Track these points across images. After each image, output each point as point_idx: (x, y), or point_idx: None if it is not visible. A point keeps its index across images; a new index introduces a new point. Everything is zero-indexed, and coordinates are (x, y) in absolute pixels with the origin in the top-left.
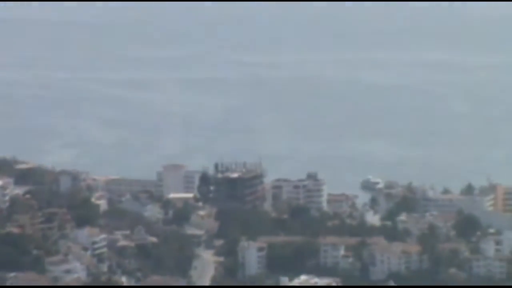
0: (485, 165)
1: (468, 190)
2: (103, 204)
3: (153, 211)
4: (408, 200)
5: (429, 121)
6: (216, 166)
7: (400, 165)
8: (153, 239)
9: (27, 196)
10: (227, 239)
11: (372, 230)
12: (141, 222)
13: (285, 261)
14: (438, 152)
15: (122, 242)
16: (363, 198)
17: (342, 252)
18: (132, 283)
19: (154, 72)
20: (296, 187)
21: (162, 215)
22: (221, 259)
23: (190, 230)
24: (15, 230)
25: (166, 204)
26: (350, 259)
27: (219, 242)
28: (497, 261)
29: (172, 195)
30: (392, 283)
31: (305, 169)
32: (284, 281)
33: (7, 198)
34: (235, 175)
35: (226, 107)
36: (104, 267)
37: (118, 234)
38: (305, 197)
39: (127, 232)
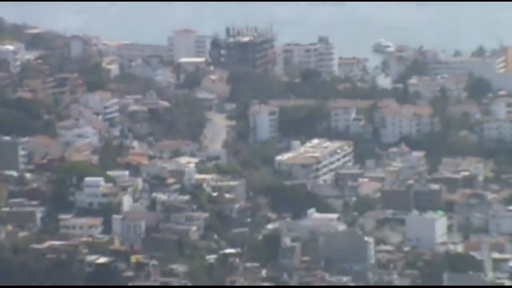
0: (496, 27)
1: (479, 52)
2: (114, 68)
3: (164, 76)
4: (419, 63)
5: None
6: (227, 30)
7: (411, 28)
8: (165, 103)
9: (39, 61)
10: (238, 103)
11: (383, 93)
12: (153, 87)
13: (297, 125)
14: (449, 15)
15: (134, 107)
16: (374, 61)
17: (353, 115)
18: (144, 147)
19: None
20: (307, 50)
21: (174, 80)
22: (233, 123)
23: (202, 94)
24: (27, 95)
25: (177, 68)
26: (362, 122)
27: (230, 106)
28: (508, 123)
29: (183, 60)
30: (403, 146)
31: (316, 33)
32: (296, 144)
33: (18, 63)
34: (246, 39)
35: None
36: (116, 131)
37: (130, 99)
38: (316, 60)
39: (139, 96)
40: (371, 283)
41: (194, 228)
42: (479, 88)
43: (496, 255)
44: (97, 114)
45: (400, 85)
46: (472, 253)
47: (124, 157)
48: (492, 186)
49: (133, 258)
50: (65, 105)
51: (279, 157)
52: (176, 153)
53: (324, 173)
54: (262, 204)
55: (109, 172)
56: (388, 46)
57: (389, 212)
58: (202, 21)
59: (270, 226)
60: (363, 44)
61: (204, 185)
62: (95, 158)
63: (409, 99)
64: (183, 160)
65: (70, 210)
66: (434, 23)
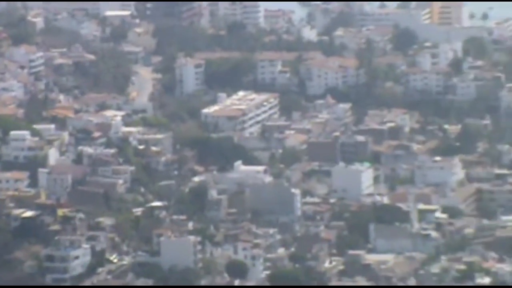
0: None
1: (405, 3)
2: (39, 22)
3: (90, 29)
4: (345, 15)
5: None
6: None
7: None
8: (90, 57)
9: None
10: (164, 56)
11: (309, 45)
12: (78, 40)
13: (223, 77)
14: None
15: (59, 60)
16: (300, 13)
17: (279, 67)
18: (70, 101)
19: None
20: (233, 3)
21: (99, 33)
22: (159, 76)
23: (128, 47)
24: None
25: (103, 21)
26: (287, 75)
27: (156, 59)
28: (434, 74)
29: (109, 13)
30: (329, 98)
31: None
32: (222, 97)
33: None
34: None
35: None
36: (41, 85)
37: (55, 52)
38: (242, 13)
39: (64, 49)
40: (298, 235)
41: (120, 181)
42: (404, 40)
43: (422, 206)
44: (22, 67)
45: (326, 37)
46: (399, 204)
47: (50, 111)
48: (418, 137)
49: (60, 212)
50: None
51: (205, 110)
52: (102, 107)
53: (251, 126)
54: (188, 157)
55: (35, 126)
56: (313, 0)
57: (315, 164)
58: None
59: (196, 179)
60: None
61: (131, 138)
62: (20, 112)
63: (335, 51)
64: (109, 113)
65: None
66: None
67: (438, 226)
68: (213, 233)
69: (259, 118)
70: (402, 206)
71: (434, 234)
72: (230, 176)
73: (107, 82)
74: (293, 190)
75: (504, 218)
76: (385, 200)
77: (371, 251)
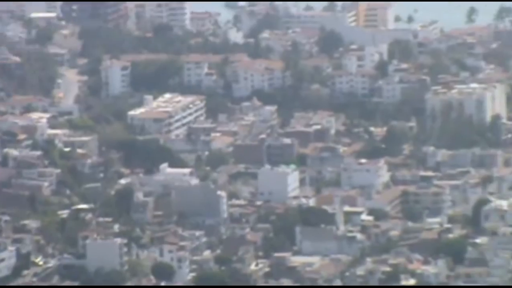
0: None
1: (331, 6)
2: None
3: (15, 31)
4: (271, 17)
5: None
6: None
7: None
8: (16, 59)
9: None
10: (90, 58)
11: (235, 48)
12: (4, 42)
13: (149, 79)
14: None
15: None
16: (226, 15)
17: (205, 70)
18: None
19: None
20: (159, 5)
21: (25, 35)
22: (85, 78)
23: (53, 49)
24: None
25: (28, 23)
26: (214, 77)
27: (82, 61)
28: (360, 77)
29: (34, 15)
30: (255, 100)
31: None
32: (148, 99)
33: None
34: None
35: None
36: None
37: None
38: (168, 15)
39: None
40: (224, 237)
41: (46, 183)
42: (330, 42)
43: (347, 208)
44: None
45: (252, 40)
46: (324, 207)
47: None
48: (344, 140)
49: None
50: None
51: (131, 112)
52: (28, 109)
53: (177, 128)
54: (114, 159)
55: None
56: (240, 1)
57: (241, 166)
58: None
59: (122, 181)
60: None
61: (56, 141)
62: None
63: (261, 53)
64: (34, 115)
65: None
66: None
67: (364, 228)
68: (139, 236)
69: (185, 121)
70: (328, 208)
71: (359, 236)
72: (156, 179)
73: (33, 84)
74: (219, 192)
75: (429, 220)
76: (311, 202)
77: (297, 253)
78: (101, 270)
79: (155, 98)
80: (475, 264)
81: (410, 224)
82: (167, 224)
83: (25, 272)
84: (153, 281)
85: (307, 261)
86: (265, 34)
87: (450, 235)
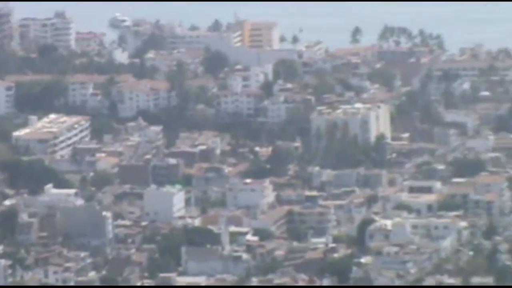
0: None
1: (216, 26)
2: None
3: None
4: (156, 37)
5: None
6: None
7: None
8: None
9: None
10: None
11: (121, 68)
12: None
13: (34, 100)
14: None
15: None
16: (111, 36)
17: (90, 90)
18: None
19: None
20: (43, 25)
21: None
22: None
23: None
24: None
25: None
26: (99, 97)
27: None
28: (245, 97)
29: None
30: (140, 120)
31: (54, 7)
32: (33, 120)
33: None
34: None
35: None
36: None
37: None
38: (53, 35)
39: None
40: (109, 258)
41: None
42: (215, 62)
43: (233, 228)
44: None
45: (137, 60)
46: (210, 227)
47: None
48: (229, 160)
49: None
50: None
51: (16, 133)
52: None
53: (62, 148)
54: None
55: None
56: (124, 21)
57: (127, 187)
58: None
59: (7, 202)
60: (101, 19)
61: None
62: None
63: (147, 74)
64: None
65: None
66: None
67: (249, 248)
68: (23, 257)
69: (70, 141)
70: (214, 228)
71: (245, 256)
72: (41, 199)
73: None
74: (104, 213)
75: (314, 240)
76: (197, 222)
77: (182, 273)
78: None
79: (40, 118)
80: (360, 284)
81: (295, 244)
82: (52, 245)
83: None
84: None
85: (193, 281)
86: (150, 54)
87: (335, 255)
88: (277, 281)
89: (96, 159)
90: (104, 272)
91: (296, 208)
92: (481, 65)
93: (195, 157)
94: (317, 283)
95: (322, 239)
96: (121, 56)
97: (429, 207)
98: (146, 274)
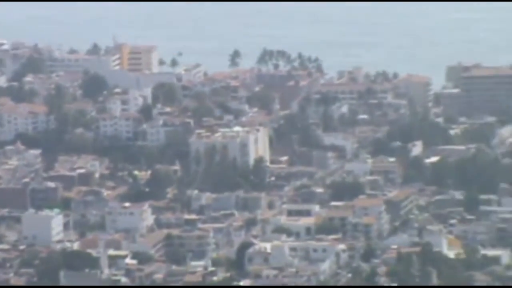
0: (110, 25)
1: (95, 49)
2: None
3: None
4: (35, 61)
5: None
6: None
7: (28, 24)
8: None
9: None
10: None
11: None
12: None
13: None
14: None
15: None
16: None
17: None
18: None
19: None
20: None
21: None
22: None
23: None
24: None
25: None
26: None
27: None
28: (124, 120)
29: None
30: (19, 144)
31: None
32: None
33: None
34: None
35: None
36: None
37: None
38: None
39: None
40: None
41: None
42: (94, 86)
43: (112, 251)
44: None
45: (15, 83)
46: (89, 250)
47: None
48: (108, 183)
49: None
50: None
51: None
52: None
53: None
54: None
55: None
56: (3, 44)
57: (5, 211)
58: None
59: None
60: None
61: None
62: None
63: (25, 97)
64: None
65: None
66: (50, 19)
67: (128, 271)
68: None
69: None
70: (92, 252)
71: (124, 279)
72: None
73: None
74: None
75: (193, 263)
76: (75, 246)
77: None
78: None
79: None
80: None
81: (174, 267)
82: None
83: None
84: None
85: None
86: (29, 77)
87: (214, 278)
88: None
89: None
90: None
91: (175, 232)
92: (359, 88)
93: (74, 180)
94: None
95: (201, 263)
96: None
97: (308, 230)
98: None
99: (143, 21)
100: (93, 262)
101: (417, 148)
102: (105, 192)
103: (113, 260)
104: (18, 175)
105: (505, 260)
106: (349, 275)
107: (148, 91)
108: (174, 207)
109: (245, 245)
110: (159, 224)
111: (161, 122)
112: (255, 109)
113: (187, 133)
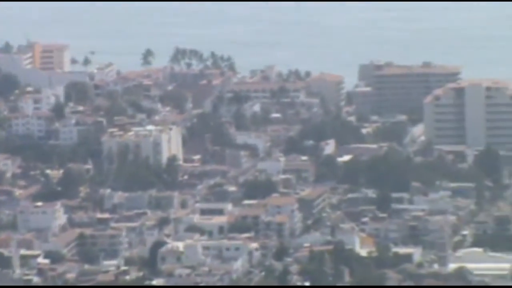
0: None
1: (6, 48)
2: None
3: None
4: None
5: None
6: None
7: None
8: None
9: None
10: None
11: None
12: None
13: None
14: None
15: None
16: None
17: None
18: None
19: None
20: None
21: None
22: None
23: None
24: None
25: None
26: None
27: None
28: (36, 119)
29: None
30: None
31: None
32: None
33: None
34: None
35: None
36: None
37: None
38: None
39: None
40: None
41: None
42: (6, 85)
43: (24, 251)
44: None
45: None
46: (1, 250)
47: None
48: (20, 182)
49: None
50: None
51: None
52: None
53: None
54: None
55: None
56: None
57: None
58: None
59: None
60: None
61: None
62: None
63: None
64: None
65: None
66: None
67: (40, 271)
68: None
69: None
70: (4, 251)
71: (36, 279)
72: None
73: None
74: None
75: (105, 262)
76: None
77: None
78: None
79: None
80: None
81: (86, 266)
82: None
83: None
84: None
85: None
86: None
87: (127, 277)
88: None
89: None
90: None
91: (88, 231)
92: (272, 87)
93: None
94: None
95: (114, 262)
96: None
97: (221, 229)
98: None
99: (55, 20)
100: (5, 262)
101: (329, 147)
102: (17, 192)
103: (25, 260)
104: None
105: (416, 257)
106: (262, 273)
107: (60, 90)
108: (87, 206)
109: (158, 244)
110: (71, 223)
111: (73, 121)
112: (168, 108)
113: (99, 132)
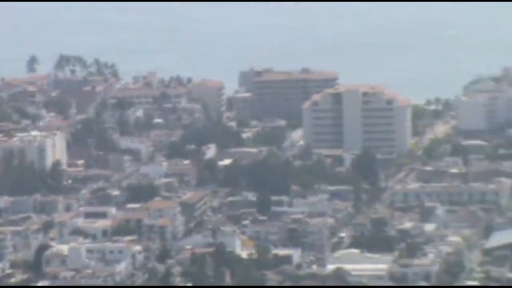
0: None
1: None
2: None
3: None
4: None
5: None
6: None
7: None
8: None
9: None
10: None
11: None
12: None
13: None
14: None
15: None
16: None
17: None
18: None
19: None
20: None
21: None
22: None
23: None
24: None
25: None
26: None
27: None
28: None
29: None
30: None
31: None
32: None
33: None
34: None
35: None
36: None
37: None
38: None
39: None
40: None
41: None
42: None
43: None
44: None
45: None
46: None
47: None
48: None
49: None
50: None
51: None
52: None
53: None
54: None
55: None
56: None
57: None
58: None
59: None
60: None
61: None
62: None
63: None
64: None
65: None
66: None
67: None
68: None
69: None
70: None
71: None
72: None
73: None
74: None
75: None
76: None
77: None
78: None
79: None
80: None
81: None
82: None
83: None
84: None
85: None
86: None
87: (12, 280)
88: None
89: None
90: None
91: None
92: (154, 93)
93: None
94: None
95: None
96: None
97: (104, 232)
98: None
99: None
100: None
101: (210, 151)
102: None
103: None
104: None
105: (296, 259)
106: (145, 275)
107: None
108: None
109: (43, 248)
110: None
111: None
112: (52, 114)
113: None
